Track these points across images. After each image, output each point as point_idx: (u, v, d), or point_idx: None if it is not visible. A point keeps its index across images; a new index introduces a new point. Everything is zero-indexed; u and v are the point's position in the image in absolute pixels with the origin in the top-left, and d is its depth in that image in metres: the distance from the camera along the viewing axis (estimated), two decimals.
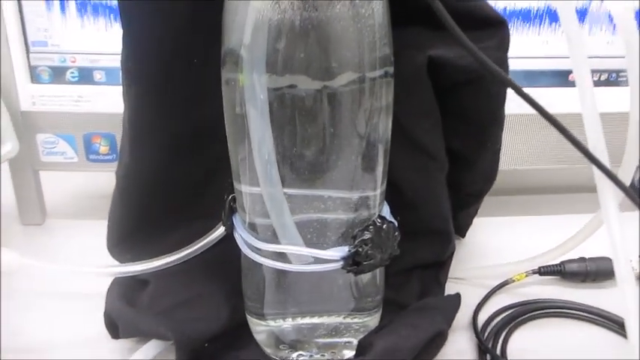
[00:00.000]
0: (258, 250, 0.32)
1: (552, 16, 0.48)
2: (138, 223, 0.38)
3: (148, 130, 0.35)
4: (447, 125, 0.37)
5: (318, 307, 0.35)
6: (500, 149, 0.40)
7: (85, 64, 0.47)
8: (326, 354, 0.35)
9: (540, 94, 0.49)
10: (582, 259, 0.45)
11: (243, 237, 0.32)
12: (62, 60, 0.47)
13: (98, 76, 0.47)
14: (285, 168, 0.30)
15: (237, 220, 0.33)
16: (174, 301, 0.36)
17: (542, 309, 0.42)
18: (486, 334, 0.39)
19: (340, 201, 0.32)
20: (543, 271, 0.45)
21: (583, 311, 0.42)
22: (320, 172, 0.31)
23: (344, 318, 0.35)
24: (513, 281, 0.44)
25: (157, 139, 0.35)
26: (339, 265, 0.31)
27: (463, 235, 0.49)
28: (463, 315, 0.40)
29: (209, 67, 0.31)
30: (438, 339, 0.35)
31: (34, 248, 0.48)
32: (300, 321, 0.35)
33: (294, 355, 0.35)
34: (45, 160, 0.49)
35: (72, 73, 0.47)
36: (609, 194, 0.28)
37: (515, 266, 0.44)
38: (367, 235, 0.31)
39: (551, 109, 0.50)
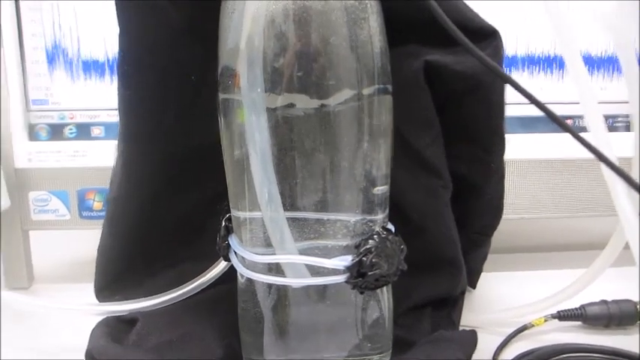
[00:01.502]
0: (255, 267, 0.30)
1: (549, 62, 0.49)
2: (128, 257, 0.36)
3: (141, 145, 0.34)
4: (449, 145, 0.36)
5: (322, 350, 0.32)
6: (504, 177, 0.39)
7: (84, 120, 0.47)
8: None
9: (537, 140, 0.50)
10: (604, 302, 0.42)
11: (239, 254, 0.30)
12: (61, 117, 0.47)
13: (97, 131, 0.48)
14: (285, 191, 0.29)
15: (233, 240, 0.32)
16: (164, 338, 0.33)
17: (568, 352, 0.38)
18: None
19: (342, 225, 0.30)
20: (563, 315, 0.42)
21: (612, 354, 0.38)
22: (321, 193, 0.29)
23: None
24: (532, 326, 0.41)
25: (151, 158, 0.34)
26: (342, 277, 0.29)
27: (474, 286, 0.46)
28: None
29: (207, 87, 0.31)
30: None
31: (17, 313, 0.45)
32: None
33: None
34: (35, 218, 0.48)
35: (70, 129, 0.48)
36: (623, 197, 0.26)
37: (532, 308, 0.41)
38: (371, 244, 0.29)
39: (549, 155, 0.50)
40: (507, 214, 0.43)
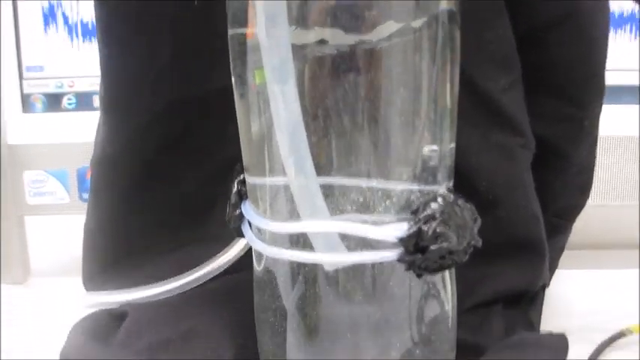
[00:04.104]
0: (275, 241, 0.23)
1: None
2: (120, 238, 0.29)
3: (129, 86, 0.27)
4: (527, 97, 0.28)
5: (363, 354, 0.25)
6: (596, 142, 0.31)
7: (84, 89, 0.42)
8: None
9: (623, 113, 0.42)
10: None
11: (254, 224, 0.23)
12: (59, 85, 0.42)
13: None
14: (317, 151, 0.22)
15: (247, 208, 0.24)
16: (161, 336, 0.26)
17: None
18: None
19: (387, 195, 0.23)
20: None
21: None
22: (361, 155, 0.23)
23: None
24: (631, 333, 0.33)
25: (143, 105, 0.27)
26: (394, 253, 0.21)
27: (547, 283, 0.38)
28: None
29: (215, 12, 0.24)
30: None
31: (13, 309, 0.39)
32: None
33: None
34: (32, 202, 0.43)
35: (69, 99, 0.42)
36: None
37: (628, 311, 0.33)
38: (435, 208, 0.21)
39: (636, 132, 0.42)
40: None
